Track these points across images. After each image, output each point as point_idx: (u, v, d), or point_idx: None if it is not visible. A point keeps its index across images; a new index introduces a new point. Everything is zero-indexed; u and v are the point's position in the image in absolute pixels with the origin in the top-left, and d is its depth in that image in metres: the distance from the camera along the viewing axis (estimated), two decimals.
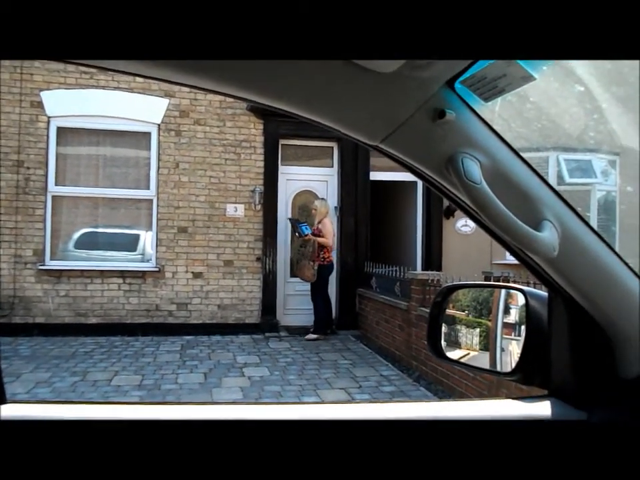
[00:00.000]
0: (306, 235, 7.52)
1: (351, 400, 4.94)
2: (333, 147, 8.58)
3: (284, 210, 8.41)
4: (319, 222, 7.65)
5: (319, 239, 7.47)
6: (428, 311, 1.49)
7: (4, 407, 0.88)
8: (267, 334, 7.84)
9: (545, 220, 0.82)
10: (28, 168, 7.61)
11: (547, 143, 8.83)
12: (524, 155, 0.81)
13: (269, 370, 5.90)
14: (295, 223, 7.81)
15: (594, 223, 8.73)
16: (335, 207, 8.53)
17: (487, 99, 0.75)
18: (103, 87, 7.76)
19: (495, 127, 0.77)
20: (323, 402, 4.46)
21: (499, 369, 1.17)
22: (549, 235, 0.81)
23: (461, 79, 0.71)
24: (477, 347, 1.22)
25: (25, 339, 7.09)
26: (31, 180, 7.62)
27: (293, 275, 8.42)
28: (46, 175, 7.66)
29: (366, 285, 7.96)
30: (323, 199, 8.09)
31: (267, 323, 8.05)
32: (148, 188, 7.97)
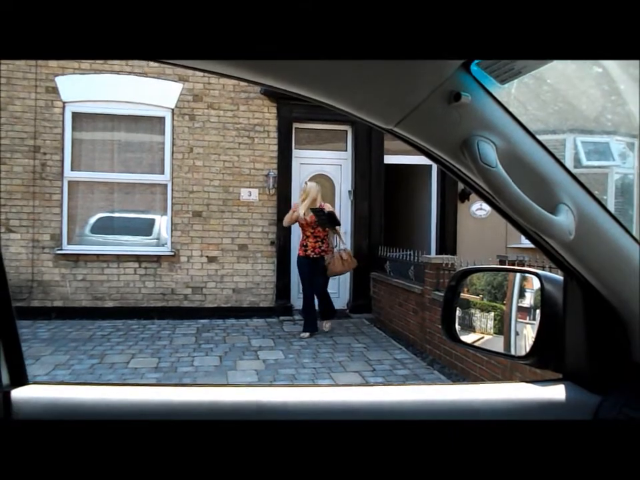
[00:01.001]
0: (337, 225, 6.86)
1: (365, 383, 4.97)
2: (347, 131, 8.54)
3: (298, 194, 8.40)
4: (320, 205, 6.74)
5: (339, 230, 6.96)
6: (442, 294, 1.49)
7: (26, 388, 0.91)
8: (281, 317, 7.89)
9: (561, 203, 0.82)
10: (44, 153, 7.67)
11: (563, 125, 8.71)
12: (540, 137, 0.81)
13: (283, 353, 5.94)
14: (328, 214, 6.64)
15: (611, 206, 8.62)
16: (349, 191, 8.51)
17: (503, 81, 0.74)
18: (117, 72, 7.77)
19: (511, 110, 0.76)
20: (336, 384, 4.49)
21: (513, 352, 1.17)
22: (565, 219, 0.80)
23: (477, 61, 0.70)
24: (492, 331, 1.22)
25: (44, 322, 7.20)
26: (48, 165, 7.68)
27: None
28: (62, 160, 7.72)
29: (380, 268, 7.95)
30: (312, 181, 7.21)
31: (281, 306, 8.10)
32: (162, 173, 8.01)
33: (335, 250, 6.81)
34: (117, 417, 0.91)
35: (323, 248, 6.76)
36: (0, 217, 7.46)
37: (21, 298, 7.43)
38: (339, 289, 8.57)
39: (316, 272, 6.70)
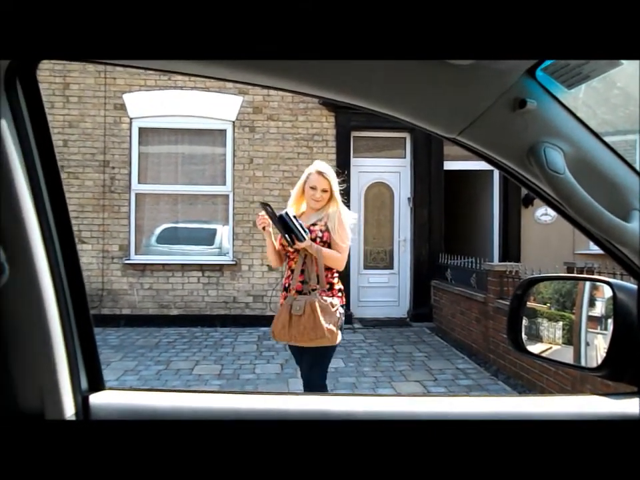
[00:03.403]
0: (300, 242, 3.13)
1: (427, 393, 4.90)
2: (405, 138, 8.48)
3: (357, 202, 8.41)
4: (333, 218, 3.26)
5: (327, 252, 3.20)
6: (506, 303, 1.45)
7: (102, 393, 0.95)
8: None
9: (634, 210, 0.79)
10: (113, 167, 8.02)
11: (634, 128, 8.32)
12: (609, 138, 0.78)
13: (343, 362, 5.94)
14: (282, 217, 3.13)
15: None
16: (408, 198, 8.44)
17: (570, 86, 0.73)
18: (181, 87, 8.05)
19: (579, 115, 0.74)
20: (400, 394, 4.45)
21: (583, 363, 1.13)
22: (638, 226, 0.77)
23: (543, 66, 0.69)
24: (560, 341, 1.19)
25: (113, 329, 7.50)
26: (116, 179, 8.03)
27: (366, 267, 8.44)
28: (129, 174, 8.05)
29: (441, 276, 7.83)
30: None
31: None
32: (224, 184, 8.21)
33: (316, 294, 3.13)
34: (185, 421, 0.94)
35: (336, 287, 3.27)
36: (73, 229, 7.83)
37: (92, 306, 7.77)
38: (399, 297, 8.50)
39: (306, 352, 3.24)
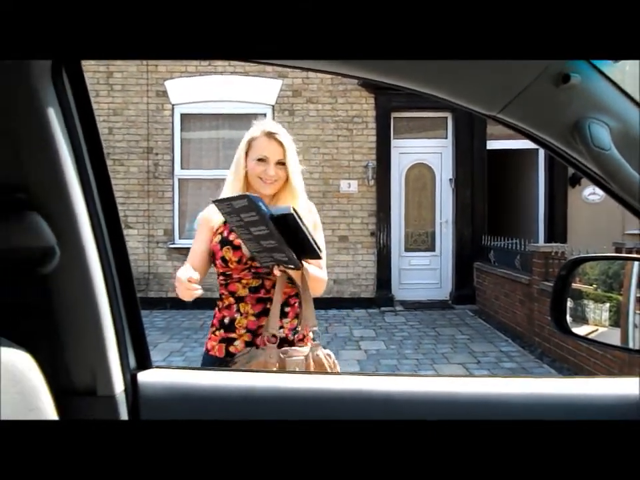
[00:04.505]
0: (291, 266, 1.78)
1: (470, 375, 4.86)
2: (447, 117, 8.33)
3: (397, 184, 8.34)
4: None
5: (314, 273, 1.92)
6: (551, 285, 1.42)
7: (150, 371, 0.99)
8: (382, 308, 7.88)
9: None
10: (156, 154, 8.18)
11: None
12: None
13: (385, 344, 5.95)
14: (286, 219, 1.68)
15: None
16: (450, 179, 8.31)
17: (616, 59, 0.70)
18: (221, 73, 8.10)
19: (626, 89, 0.72)
20: (441, 375, 4.43)
21: (631, 345, 1.11)
22: None
23: None
24: (607, 323, 1.16)
25: (160, 311, 7.71)
26: (160, 165, 8.19)
27: (407, 249, 8.39)
28: (172, 160, 8.19)
29: (484, 258, 7.71)
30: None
31: (382, 297, 8.09)
32: None
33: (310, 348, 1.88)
34: (226, 399, 0.97)
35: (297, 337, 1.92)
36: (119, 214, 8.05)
37: (139, 289, 7.99)
38: (441, 280, 8.42)
39: None
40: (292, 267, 1.76)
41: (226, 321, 1.94)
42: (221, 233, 1.95)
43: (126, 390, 0.92)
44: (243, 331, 1.88)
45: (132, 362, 0.96)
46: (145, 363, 0.99)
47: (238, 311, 1.92)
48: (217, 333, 1.94)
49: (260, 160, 1.94)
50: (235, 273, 1.94)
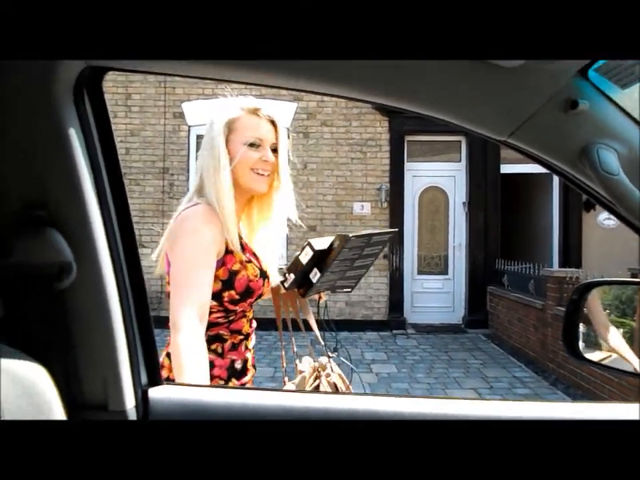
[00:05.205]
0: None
1: (482, 398, 4.80)
2: (460, 141, 8.36)
3: (410, 207, 8.34)
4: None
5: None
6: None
7: (160, 387, 1.00)
8: (394, 331, 7.83)
9: None
10: (172, 174, 8.27)
11: None
12: None
13: (396, 367, 5.90)
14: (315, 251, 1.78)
15: None
16: (463, 203, 8.30)
17: (624, 86, 0.71)
18: (237, 96, 8.21)
19: (634, 115, 0.72)
20: (451, 397, 4.37)
21: None
22: None
23: (595, 66, 0.68)
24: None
25: None
26: (175, 185, 8.28)
27: (420, 272, 8.35)
28: (187, 180, 8.28)
29: (497, 282, 7.66)
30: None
31: (394, 320, 8.04)
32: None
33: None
34: (236, 417, 0.97)
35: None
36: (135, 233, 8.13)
37: (152, 307, 8.00)
38: (454, 303, 8.36)
39: None
40: (348, 289, 1.68)
41: (237, 365, 1.53)
42: (240, 262, 1.50)
43: (137, 405, 0.92)
44: (252, 370, 1.60)
45: (143, 378, 0.96)
46: (155, 379, 1.00)
47: (247, 349, 1.57)
48: (230, 384, 1.51)
49: (252, 145, 1.48)
50: (243, 307, 1.55)
